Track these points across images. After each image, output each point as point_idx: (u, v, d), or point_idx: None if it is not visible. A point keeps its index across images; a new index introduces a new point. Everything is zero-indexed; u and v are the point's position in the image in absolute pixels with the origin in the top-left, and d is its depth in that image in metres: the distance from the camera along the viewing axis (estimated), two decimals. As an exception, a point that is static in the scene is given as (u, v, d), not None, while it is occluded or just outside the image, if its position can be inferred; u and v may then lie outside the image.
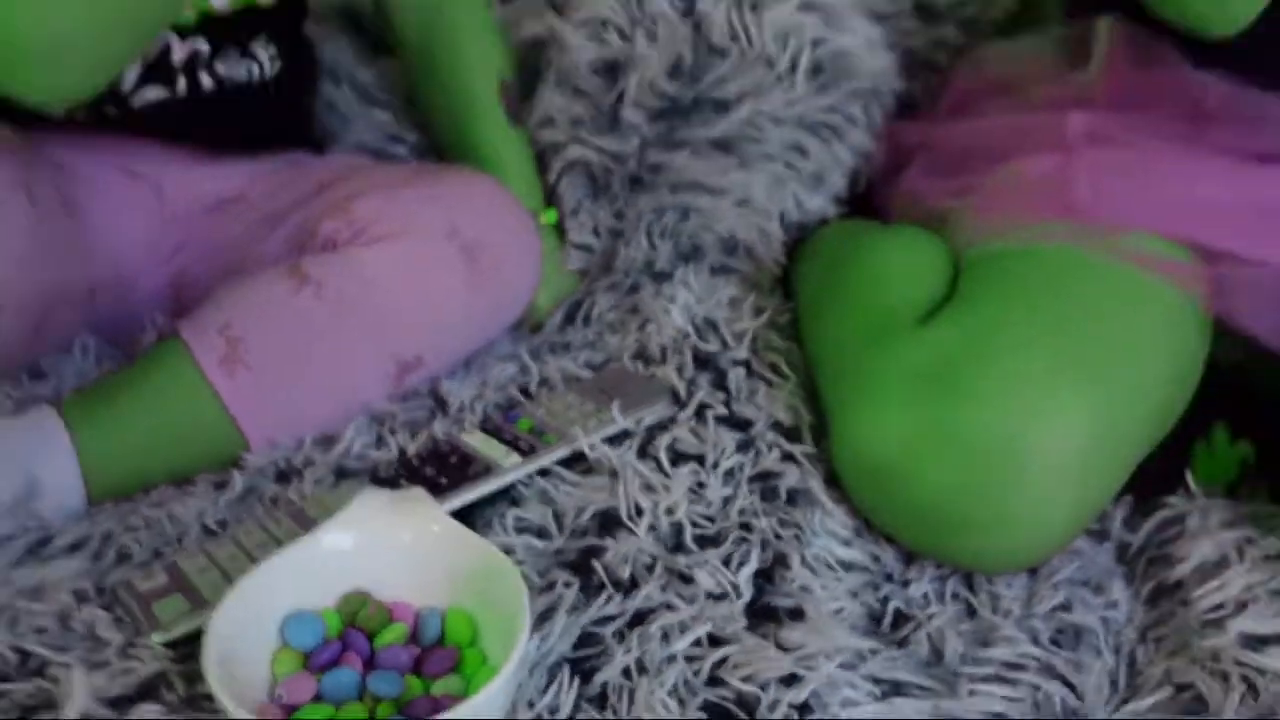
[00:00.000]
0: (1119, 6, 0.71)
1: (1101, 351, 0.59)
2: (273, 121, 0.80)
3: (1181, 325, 0.64)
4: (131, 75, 0.72)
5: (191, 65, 0.74)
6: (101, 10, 0.60)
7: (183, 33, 0.73)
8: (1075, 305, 0.60)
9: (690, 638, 0.49)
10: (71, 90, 0.62)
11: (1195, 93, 0.68)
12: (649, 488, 0.57)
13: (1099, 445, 0.56)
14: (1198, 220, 0.67)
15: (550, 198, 0.83)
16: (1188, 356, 0.64)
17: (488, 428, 0.63)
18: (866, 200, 0.86)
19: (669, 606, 0.51)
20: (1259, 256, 0.66)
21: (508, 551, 0.52)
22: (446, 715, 0.43)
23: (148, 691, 0.47)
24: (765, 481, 0.59)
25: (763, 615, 0.52)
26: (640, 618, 0.51)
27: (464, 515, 0.56)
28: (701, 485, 0.58)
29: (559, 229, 0.82)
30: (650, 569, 0.53)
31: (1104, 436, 0.57)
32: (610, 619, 0.51)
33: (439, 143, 0.85)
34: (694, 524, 0.56)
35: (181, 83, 0.74)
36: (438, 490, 0.56)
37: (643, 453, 0.60)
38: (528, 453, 0.60)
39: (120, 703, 0.46)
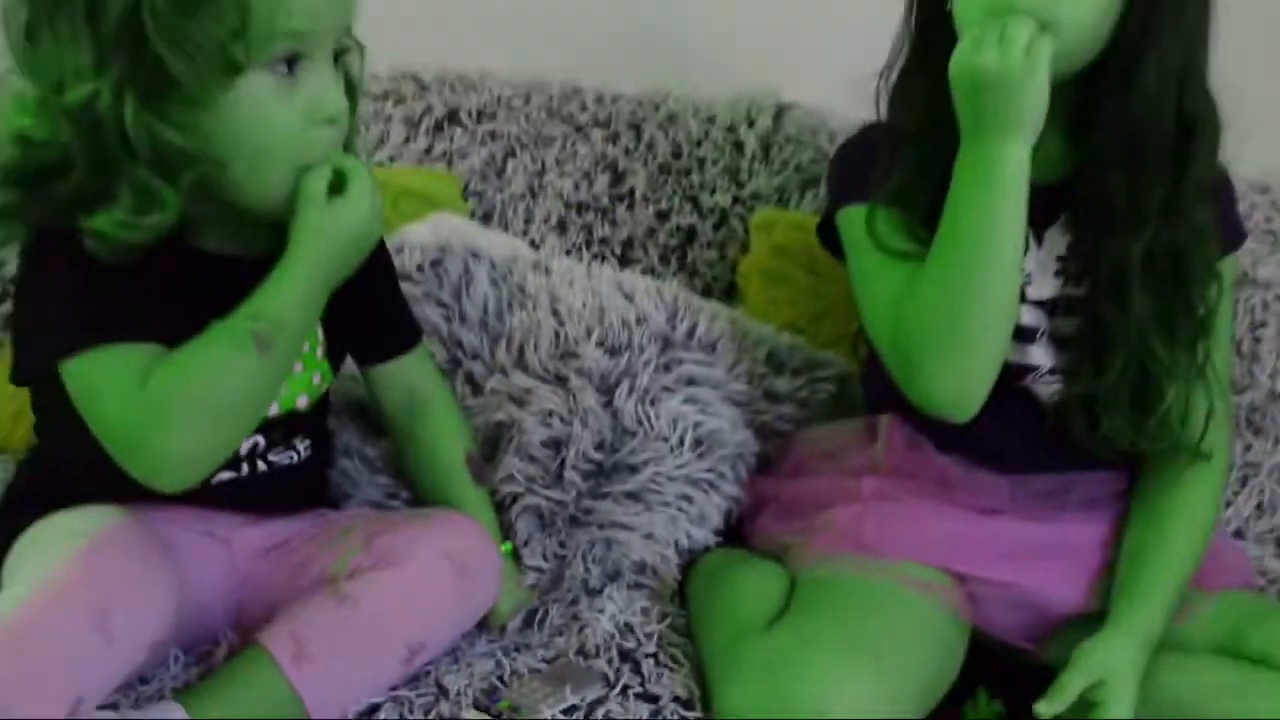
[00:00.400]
0: (898, 408, 1.07)
1: (884, 644, 0.91)
2: (304, 490, 1.08)
3: (941, 626, 0.96)
4: None
5: (252, 455, 1.00)
6: (231, 433, 0.91)
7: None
8: (865, 614, 0.93)
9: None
10: (195, 481, 0.90)
11: (941, 468, 1.05)
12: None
13: (884, 707, 0.87)
14: (950, 554, 1.01)
15: (508, 533, 1.13)
16: (947, 648, 0.96)
17: (479, 706, 0.92)
18: (738, 531, 1.19)
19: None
20: (996, 578, 1.00)
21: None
22: None
23: None
24: (671, 738, 0.89)
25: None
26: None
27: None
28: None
29: (515, 556, 1.12)
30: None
31: (887, 701, 0.88)
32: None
33: (424, 499, 1.13)
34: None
35: (245, 467, 1.00)
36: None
37: (587, 719, 0.90)
38: (510, 724, 0.89)
39: None
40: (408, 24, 1.58)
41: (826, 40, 1.57)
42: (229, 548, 1.03)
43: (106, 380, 0.86)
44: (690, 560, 1.13)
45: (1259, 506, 1.33)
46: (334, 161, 0.90)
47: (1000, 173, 0.93)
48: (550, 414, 1.12)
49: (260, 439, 1.00)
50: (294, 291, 0.89)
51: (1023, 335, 1.03)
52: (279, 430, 1.02)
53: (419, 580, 0.96)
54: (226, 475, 0.99)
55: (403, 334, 1.12)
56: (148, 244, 0.86)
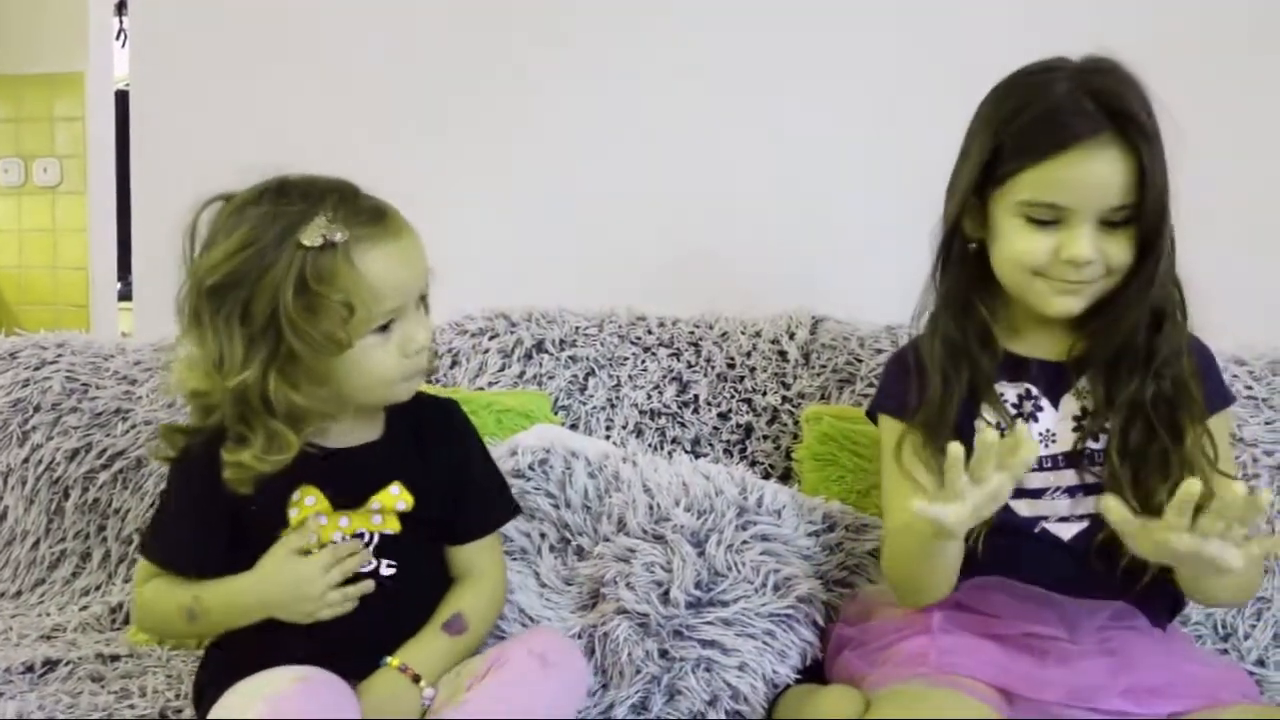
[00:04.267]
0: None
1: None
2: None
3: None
4: None
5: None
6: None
7: None
8: (923, 709, 1.11)
9: None
10: None
11: (992, 601, 1.24)
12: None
13: None
14: (1001, 675, 1.18)
15: (608, 643, 1.28)
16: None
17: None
18: (816, 676, 1.35)
19: None
20: (1038, 696, 1.17)
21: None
22: None
23: None
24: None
25: None
26: None
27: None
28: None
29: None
30: None
31: None
32: None
33: None
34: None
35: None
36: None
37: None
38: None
39: None
40: (496, 273, 1.90)
41: (853, 257, 1.86)
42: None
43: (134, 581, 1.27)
44: (775, 697, 1.31)
45: (1275, 637, 1.51)
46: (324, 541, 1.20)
47: (945, 550, 1.18)
48: (653, 564, 1.33)
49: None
50: (231, 599, 1.19)
51: (1033, 494, 1.26)
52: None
53: (511, 673, 1.16)
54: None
55: (487, 520, 1.31)
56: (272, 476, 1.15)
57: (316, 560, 1.17)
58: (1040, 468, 1.27)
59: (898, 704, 1.14)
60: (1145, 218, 1.20)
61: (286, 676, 1.09)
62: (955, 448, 1.05)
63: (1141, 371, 1.24)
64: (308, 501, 1.20)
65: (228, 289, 1.12)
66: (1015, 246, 1.24)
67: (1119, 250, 1.22)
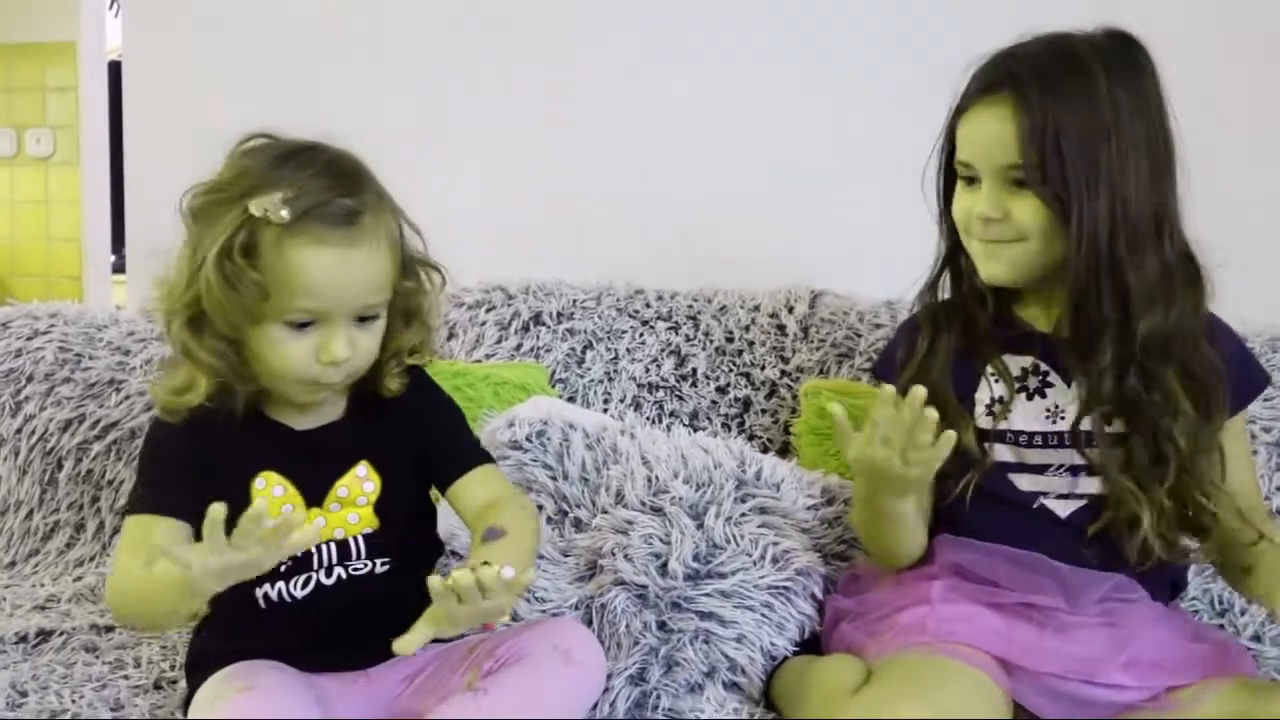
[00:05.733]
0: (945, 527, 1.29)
1: (939, 699, 1.09)
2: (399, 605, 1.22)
3: (987, 692, 1.13)
4: None
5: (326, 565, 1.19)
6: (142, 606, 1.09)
7: None
8: (925, 678, 1.11)
9: None
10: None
11: (990, 568, 1.24)
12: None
13: None
14: (999, 644, 1.18)
15: (608, 614, 1.28)
16: (992, 704, 1.13)
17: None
18: (813, 649, 1.34)
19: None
20: (1039, 668, 1.17)
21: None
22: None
23: None
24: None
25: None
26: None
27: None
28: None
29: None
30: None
31: None
32: None
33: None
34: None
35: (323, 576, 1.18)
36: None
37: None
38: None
39: None
40: (493, 246, 1.88)
41: (852, 234, 1.85)
42: (368, 679, 1.20)
43: (120, 543, 1.15)
44: (773, 669, 1.31)
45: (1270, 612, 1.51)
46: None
47: (893, 513, 1.23)
48: (651, 536, 1.32)
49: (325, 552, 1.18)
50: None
51: (1035, 470, 1.26)
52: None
53: (535, 669, 1.15)
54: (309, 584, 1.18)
55: (466, 459, 1.24)
56: (188, 415, 1.14)
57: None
58: (1045, 444, 1.26)
59: (899, 673, 1.14)
60: (1046, 179, 1.16)
61: (234, 686, 1.08)
62: None
63: (1117, 356, 1.19)
64: (275, 491, 1.17)
65: (197, 216, 1.11)
66: (954, 206, 1.26)
67: (1022, 211, 1.19)
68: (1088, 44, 1.20)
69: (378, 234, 1.13)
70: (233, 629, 1.17)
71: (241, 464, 1.16)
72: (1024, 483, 1.26)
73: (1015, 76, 1.18)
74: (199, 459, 1.15)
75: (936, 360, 1.27)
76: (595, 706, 1.23)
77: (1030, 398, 1.27)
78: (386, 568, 1.20)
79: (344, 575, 1.18)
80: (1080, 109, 1.16)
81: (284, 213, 1.07)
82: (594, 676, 1.19)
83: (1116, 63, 1.19)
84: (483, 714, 1.11)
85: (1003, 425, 1.26)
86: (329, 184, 1.10)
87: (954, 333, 1.28)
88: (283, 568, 1.14)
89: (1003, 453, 1.27)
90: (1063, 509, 1.25)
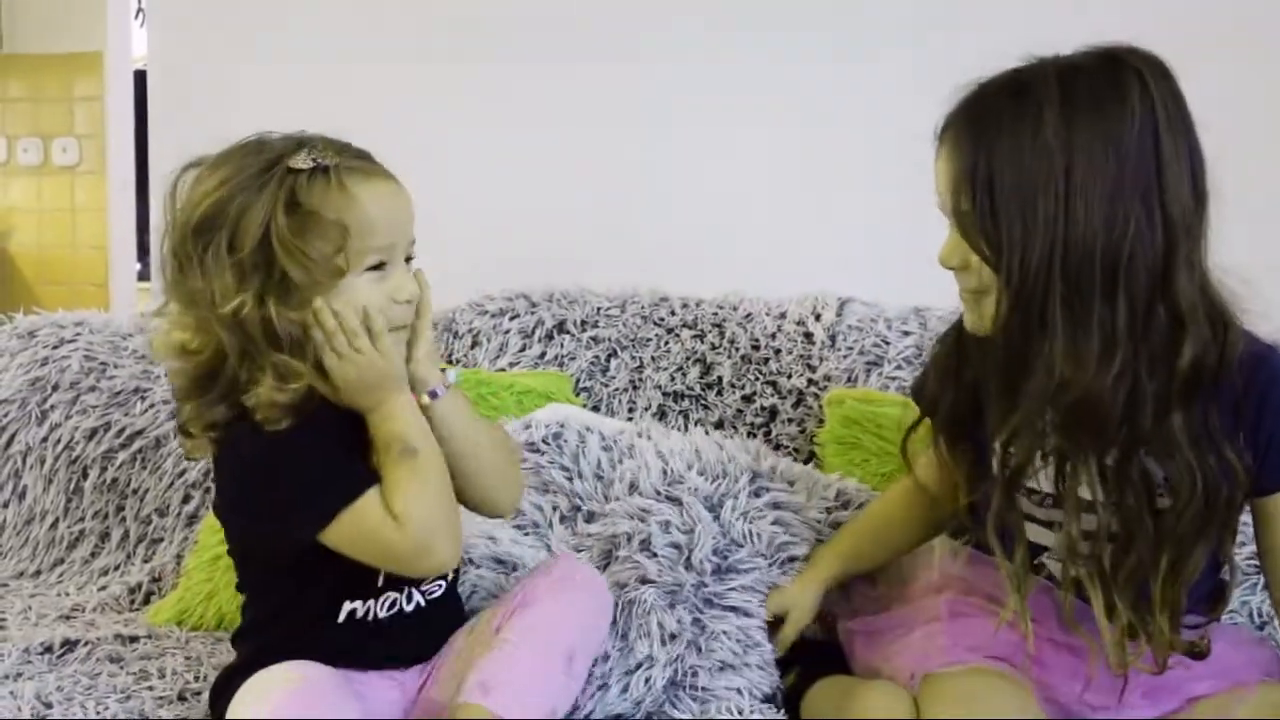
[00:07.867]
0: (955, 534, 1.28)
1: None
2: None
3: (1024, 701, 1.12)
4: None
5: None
6: (450, 509, 1.09)
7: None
8: (976, 695, 1.10)
9: None
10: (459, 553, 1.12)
11: (995, 581, 1.21)
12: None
13: None
14: (1005, 651, 1.16)
15: (629, 609, 1.26)
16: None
17: None
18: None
19: None
20: (1036, 676, 1.15)
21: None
22: None
23: None
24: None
25: None
26: None
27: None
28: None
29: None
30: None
31: None
32: None
33: None
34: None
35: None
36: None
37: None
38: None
39: None
40: (516, 253, 1.88)
41: (879, 239, 1.84)
42: (402, 687, 1.20)
43: (374, 525, 1.07)
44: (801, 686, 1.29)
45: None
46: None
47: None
48: (669, 524, 1.31)
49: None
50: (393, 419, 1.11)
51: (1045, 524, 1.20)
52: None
53: (544, 601, 1.16)
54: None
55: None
56: (296, 405, 1.08)
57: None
58: (1056, 504, 1.15)
59: (948, 697, 1.11)
60: (980, 228, 1.06)
61: (279, 679, 1.08)
62: None
63: (1099, 443, 1.08)
64: None
65: (213, 220, 1.08)
66: None
67: (977, 260, 1.09)
68: (1053, 75, 1.06)
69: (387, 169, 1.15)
70: (296, 637, 1.15)
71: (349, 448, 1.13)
72: (1033, 532, 1.19)
73: (959, 114, 1.10)
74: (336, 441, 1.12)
75: (956, 405, 1.21)
76: (630, 678, 1.22)
77: (1045, 458, 1.14)
78: (444, 586, 1.22)
79: (422, 602, 1.20)
80: (1016, 151, 1.04)
81: (329, 159, 1.08)
82: (599, 601, 1.21)
83: (1082, 96, 1.04)
84: (510, 658, 1.12)
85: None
86: (326, 141, 1.12)
87: (967, 377, 1.20)
88: (380, 581, 1.16)
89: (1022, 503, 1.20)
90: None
